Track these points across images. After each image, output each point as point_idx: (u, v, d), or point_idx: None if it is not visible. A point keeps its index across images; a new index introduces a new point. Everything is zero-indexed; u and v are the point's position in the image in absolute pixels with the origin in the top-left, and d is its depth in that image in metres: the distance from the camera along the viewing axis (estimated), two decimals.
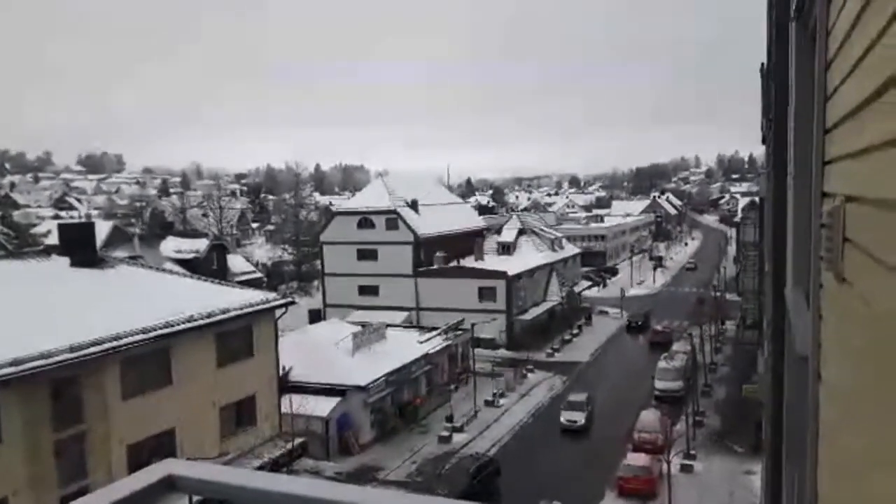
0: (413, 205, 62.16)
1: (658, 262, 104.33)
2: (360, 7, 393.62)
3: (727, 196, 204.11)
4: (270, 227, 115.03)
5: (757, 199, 63.48)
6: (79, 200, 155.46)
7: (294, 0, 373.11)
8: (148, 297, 25.09)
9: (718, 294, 65.00)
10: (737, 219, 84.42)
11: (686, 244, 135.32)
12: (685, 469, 32.17)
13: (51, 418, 19.75)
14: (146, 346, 22.51)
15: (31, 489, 19.03)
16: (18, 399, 18.79)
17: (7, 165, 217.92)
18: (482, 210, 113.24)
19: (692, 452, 33.48)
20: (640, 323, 63.79)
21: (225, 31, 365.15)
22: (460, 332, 48.07)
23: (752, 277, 55.01)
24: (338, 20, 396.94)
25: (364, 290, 60.52)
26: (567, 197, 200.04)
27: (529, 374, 48.65)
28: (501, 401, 43.19)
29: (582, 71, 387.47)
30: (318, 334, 42.39)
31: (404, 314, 57.08)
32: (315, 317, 57.48)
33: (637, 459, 31.49)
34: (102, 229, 65.34)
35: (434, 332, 46.11)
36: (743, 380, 42.43)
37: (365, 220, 61.40)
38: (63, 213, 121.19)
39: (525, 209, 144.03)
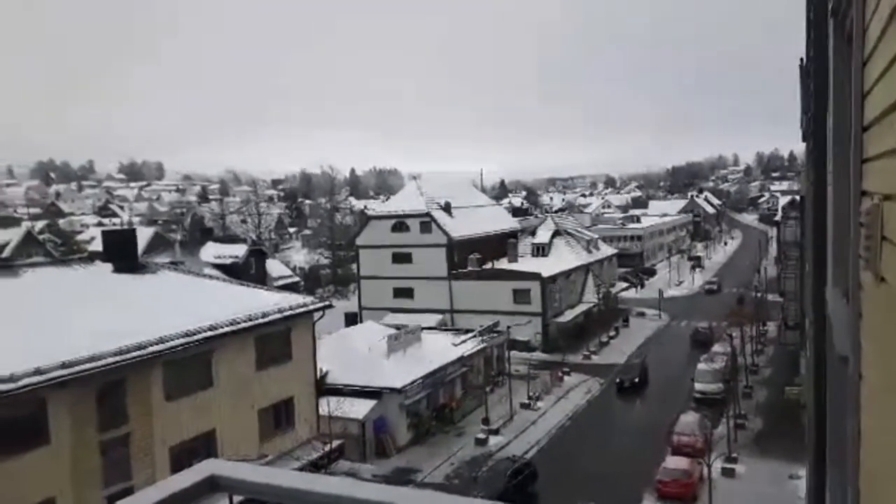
0: (446, 207, 62.27)
1: (696, 263, 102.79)
2: (392, 13, 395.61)
3: (767, 195, 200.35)
4: (307, 232, 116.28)
5: (798, 197, 62.18)
6: (121, 207, 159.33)
7: (328, 9, 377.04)
8: (189, 301, 25.58)
9: (759, 294, 63.74)
10: (777, 218, 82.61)
11: (725, 244, 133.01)
12: (726, 473, 31.58)
13: (97, 420, 20.26)
14: (189, 350, 22.96)
15: (77, 489, 19.55)
16: (67, 401, 19.33)
17: (52, 175, 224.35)
18: (516, 212, 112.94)
19: (734, 455, 32.87)
20: (635, 381, 45.85)
21: (262, 43, 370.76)
22: (495, 334, 47.98)
23: (794, 277, 53.83)
24: (374, 27, 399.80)
25: (399, 293, 60.81)
26: (602, 197, 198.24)
27: (566, 377, 48.30)
28: (538, 403, 42.97)
29: (618, 68, 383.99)
30: (354, 337, 42.70)
31: (439, 316, 57.18)
32: (351, 320, 57.90)
33: (677, 462, 31.02)
34: (144, 236, 66.90)
35: (469, 335, 46.10)
36: (785, 382, 41.62)
37: (399, 223, 61.72)
38: (106, 221, 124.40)
39: (559, 210, 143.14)
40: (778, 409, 38.93)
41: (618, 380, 46.55)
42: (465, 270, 59.58)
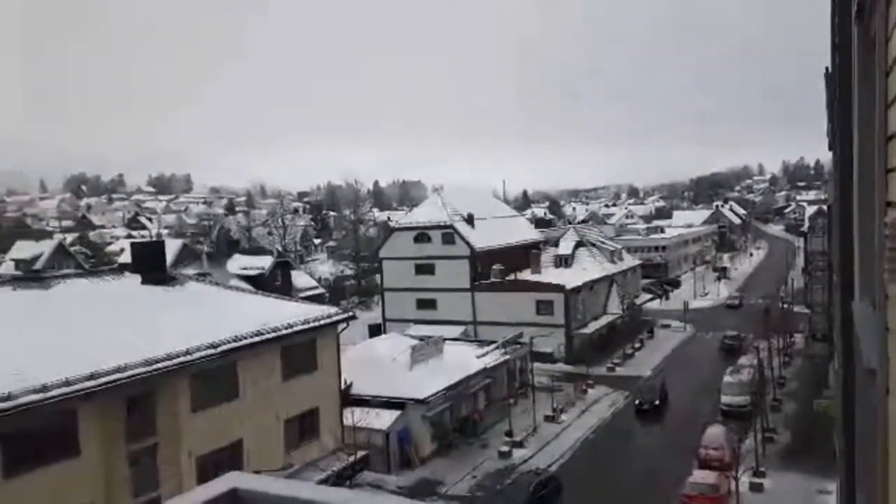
0: (469, 219, 62.33)
1: (722, 273, 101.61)
2: (413, 23, 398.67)
3: (793, 204, 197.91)
4: (332, 244, 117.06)
5: (825, 207, 61.31)
6: (150, 220, 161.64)
7: (348, 23, 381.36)
8: (216, 312, 25.87)
9: (786, 306, 62.82)
10: (804, 228, 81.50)
11: (751, 254, 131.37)
12: (754, 487, 31.04)
13: (125, 431, 20.51)
14: (215, 361, 23.16)
15: (107, 499, 19.78)
16: (95, 413, 19.61)
17: (84, 188, 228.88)
18: (539, 223, 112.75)
19: (762, 470, 32.31)
20: (655, 403, 42.91)
21: (286, 56, 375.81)
22: (518, 346, 47.77)
23: (822, 288, 53.06)
24: (395, 38, 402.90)
25: (422, 304, 60.88)
26: (626, 208, 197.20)
27: (590, 389, 47.90)
28: (562, 416, 42.63)
29: (640, 77, 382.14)
30: (377, 348, 42.81)
31: (462, 328, 57.10)
32: (375, 331, 58.11)
33: (703, 476, 30.53)
34: (172, 248, 67.84)
35: (492, 346, 45.94)
36: (814, 394, 40.87)
37: (422, 234, 61.89)
38: (135, 233, 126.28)
39: (583, 221, 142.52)
40: (807, 422, 38.22)
41: (636, 401, 43.63)
42: (487, 282, 59.49)
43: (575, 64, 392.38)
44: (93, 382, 18.93)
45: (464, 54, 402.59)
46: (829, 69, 13.13)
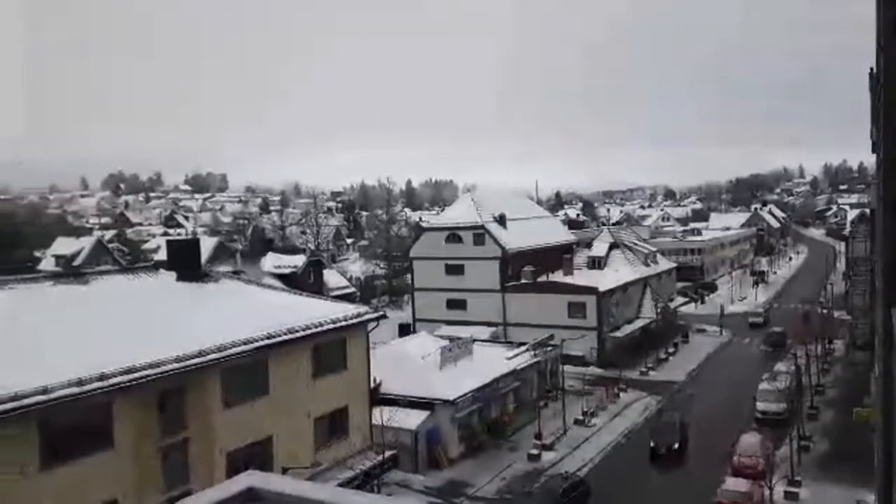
0: (500, 219, 62.11)
1: (760, 278, 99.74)
2: (446, 27, 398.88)
3: (835, 208, 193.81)
4: (364, 243, 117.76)
5: (868, 210, 59.85)
6: (186, 218, 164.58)
7: (384, 26, 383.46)
8: (249, 309, 26.15)
9: (826, 311, 61.41)
10: (846, 232, 79.52)
11: (790, 259, 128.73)
12: (789, 496, 30.36)
13: (157, 425, 20.82)
14: (246, 357, 23.40)
15: (138, 492, 20.11)
16: (129, 407, 19.94)
17: (122, 186, 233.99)
18: (572, 224, 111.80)
19: (797, 479, 31.57)
20: (674, 446, 36.24)
21: (316, 57, 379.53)
22: (549, 348, 47.45)
23: (863, 294, 51.78)
24: (428, 39, 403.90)
25: (452, 305, 60.86)
26: (661, 210, 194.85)
27: (622, 393, 47.37)
28: (593, 420, 42.22)
29: (678, 76, 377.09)
30: (407, 348, 42.86)
31: (492, 329, 56.93)
32: (405, 330, 58.29)
33: (737, 484, 29.95)
34: (207, 245, 69.02)
35: (522, 348, 45.70)
36: (854, 403, 39.87)
37: (453, 235, 61.84)
38: (171, 231, 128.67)
39: (617, 223, 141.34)
40: (846, 430, 37.29)
41: (651, 443, 36.72)
42: (518, 283, 59.22)
43: (612, 65, 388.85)
44: (127, 377, 19.26)
45: (498, 54, 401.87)
46: (874, 70, 12.74)
